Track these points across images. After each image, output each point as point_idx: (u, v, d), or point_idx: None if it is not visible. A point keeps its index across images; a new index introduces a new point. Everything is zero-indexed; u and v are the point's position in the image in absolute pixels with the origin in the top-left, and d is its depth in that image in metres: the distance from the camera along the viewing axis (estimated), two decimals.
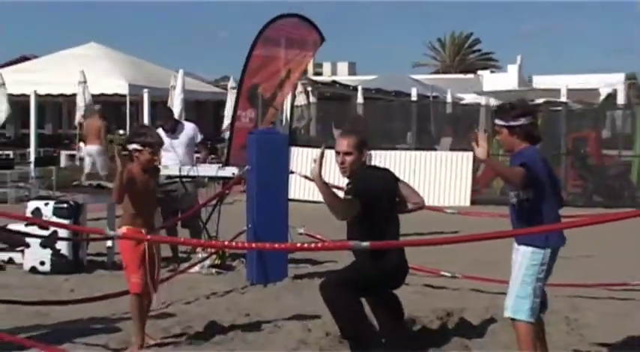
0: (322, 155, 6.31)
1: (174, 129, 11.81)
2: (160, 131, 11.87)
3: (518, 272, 6.12)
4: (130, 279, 7.11)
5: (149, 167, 7.32)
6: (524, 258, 6.10)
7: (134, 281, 7.06)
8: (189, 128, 12.08)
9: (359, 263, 6.77)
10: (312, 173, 6.33)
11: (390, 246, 6.67)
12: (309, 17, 13.25)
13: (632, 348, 7.09)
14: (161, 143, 7.59)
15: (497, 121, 6.30)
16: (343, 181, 6.80)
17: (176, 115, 25.58)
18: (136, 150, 7.21)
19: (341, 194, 6.69)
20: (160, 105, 12.35)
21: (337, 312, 6.68)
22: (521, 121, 6.21)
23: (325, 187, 6.26)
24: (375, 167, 7.11)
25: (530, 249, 6.06)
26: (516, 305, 6.11)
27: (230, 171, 11.10)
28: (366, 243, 6.00)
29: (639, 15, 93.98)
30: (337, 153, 6.73)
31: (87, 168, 20.99)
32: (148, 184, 7.32)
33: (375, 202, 6.55)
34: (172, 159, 11.38)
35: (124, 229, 7.25)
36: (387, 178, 6.90)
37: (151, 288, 7.16)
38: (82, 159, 27.40)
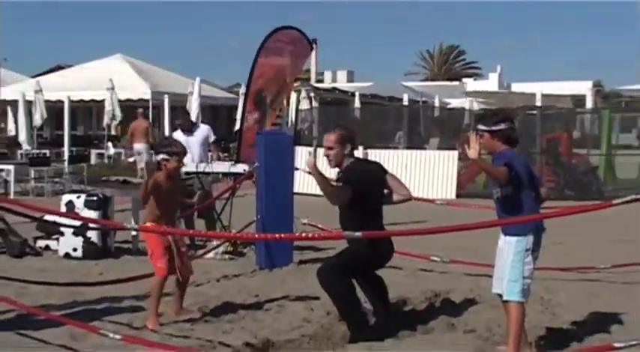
0: (316, 149, 6.50)
1: (190, 130, 11.91)
2: (178, 131, 11.91)
3: (507, 259, 6.13)
4: (155, 265, 7.20)
5: (175, 173, 7.47)
6: (510, 246, 6.12)
7: (159, 266, 7.16)
8: (203, 129, 12.17)
9: (352, 249, 6.89)
10: (307, 164, 6.70)
11: (380, 235, 6.73)
12: (300, 28, 13.28)
13: (599, 324, 7.06)
14: (185, 152, 7.76)
15: (480, 126, 6.33)
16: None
17: (193, 118, 25.60)
18: (164, 159, 7.37)
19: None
20: (179, 109, 12.42)
21: (335, 297, 6.79)
22: (502, 126, 6.26)
23: (320, 176, 6.55)
24: (365, 160, 7.30)
25: (514, 238, 6.09)
26: (509, 288, 6.12)
27: (241, 167, 11.10)
28: (358, 233, 6.09)
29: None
30: (324, 147, 7.07)
31: (140, 164, 21.06)
32: (172, 189, 7.43)
33: (364, 189, 6.77)
34: (187, 156, 11.35)
35: (148, 224, 7.38)
36: (376, 169, 7.17)
37: (186, 270, 7.36)
38: (110, 158, 27.58)
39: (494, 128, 6.24)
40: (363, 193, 6.75)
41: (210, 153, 12.36)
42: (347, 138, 7.03)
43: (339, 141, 6.98)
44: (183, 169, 10.49)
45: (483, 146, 6.29)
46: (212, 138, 12.10)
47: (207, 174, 11.25)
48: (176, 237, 7.38)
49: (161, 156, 7.43)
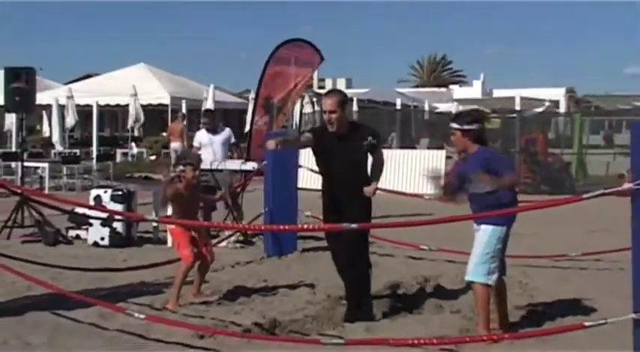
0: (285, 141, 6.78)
1: (215, 130, 11.82)
2: (203, 130, 11.85)
3: (479, 246, 6.06)
4: (182, 253, 7.20)
5: (194, 180, 7.44)
6: (485, 234, 6.05)
7: (186, 254, 7.15)
8: (226, 131, 12.06)
9: (363, 237, 6.74)
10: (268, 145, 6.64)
11: (374, 227, 6.65)
12: (312, 42, 13.22)
13: (571, 306, 7.06)
14: (200, 161, 7.76)
15: (453, 125, 6.23)
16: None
17: None
18: (182, 170, 7.40)
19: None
20: (205, 111, 12.43)
21: (363, 280, 6.69)
22: (473, 126, 6.16)
23: (285, 142, 6.75)
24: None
25: (491, 227, 6.01)
26: (475, 270, 6.07)
27: (251, 165, 11.10)
28: (354, 225, 5.99)
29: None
30: (324, 112, 6.71)
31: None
32: (192, 195, 7.45)
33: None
34: (210, 153, 11.37)
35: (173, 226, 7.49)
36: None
37: (207, 257, 7.38)
38: (133, 156, 27.61)
39: (465, 127, 6.14)
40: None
41: (229, 154, 12.32)
42: (346, 101, 6.72)
43: (340, 104, 6.61)
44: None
45: (455, 143, 6.24)
46: (233, 139, 12.02)
47: (220, 171, 11.24)
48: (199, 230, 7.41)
49: (179, 168, 7.45)
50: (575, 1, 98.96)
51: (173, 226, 7.49)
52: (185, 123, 23.62)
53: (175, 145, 22.47)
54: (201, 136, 11.80)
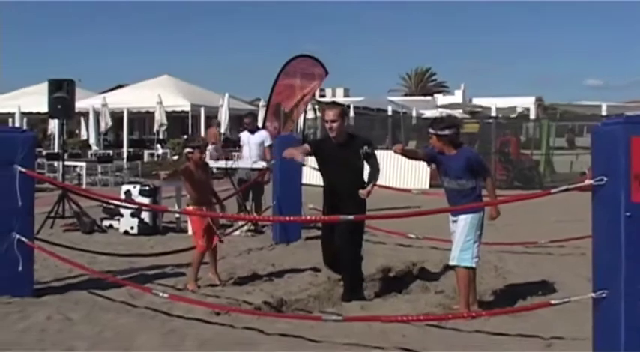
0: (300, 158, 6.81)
1: (253, 131, 11.57)
2: (245, 131, 11.69)
3: (462, 233, 6.06)
4: (197, 242, 7.19)
5: (200, 162, 7.40)
6: (466, 223, 6.04)
7: (200, 243, 7.15)
8: (262, 133, 11.70)
9: (360, 224, 6.72)
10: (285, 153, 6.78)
11: (368, 218, 6.64)
12: (317, 57, 13.21)
13: (539, 286, 7.06)
14: (206, 144, 7.78)
15: (430, 130, 6.24)
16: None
17: (222, 126, 25.65)
18: (189, 152, 7.39)
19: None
20: (248, 113, 12.31)
21: (355, 268, 6.66)
22: (446, 132, 6.15)
23: (293, 150, 6.72)
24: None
25: (470, 215, 6.02)
26: (460, 256, 6.07)
27: (260, 164, 11.06)
28: (350, 217, 5.98)
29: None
30: (326, 121, 6.75)
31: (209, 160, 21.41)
32: (202, 175, 7.38)
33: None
34: (247, 151, 11.30)
35: (190, 208, 7.42)
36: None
37: (217, 244, 7.35)
38: (158, 156, 27.58)
39: (439, 132, 6.15)
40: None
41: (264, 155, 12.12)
42: (346, 112, 6.81)
43: (341, 115, 6.70)
44: (215, 164, 10.51)
45: (432, 145, 6.24)
46: (268, 142, 11.41)
47: (235, 169, 11.21)
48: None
49: (187, 150, 7.46)
50: (544, 23, 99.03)
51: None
52: (219, 128, 23.63)
53: (210, 147, 22.51)
54: (242, 136, 11.70)
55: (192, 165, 7.31)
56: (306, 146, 6.94)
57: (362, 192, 6.43)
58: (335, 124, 6.62)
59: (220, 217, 7.73)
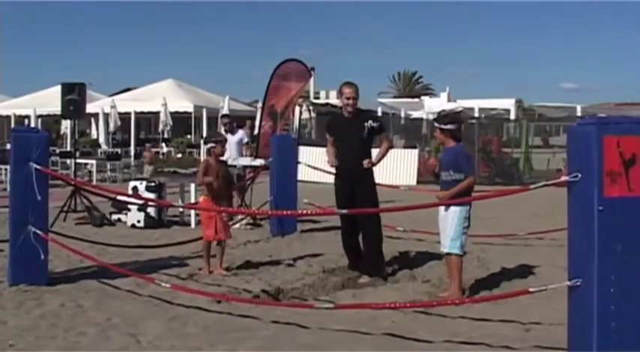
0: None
1: (231, 131, 11.94)
2: (223, 131, 11.86)
3: (452, 225, 6.11)
4: (205, 232, 7.25)
5: (221, 156, 7.55)
6: (455, 214, 6.09)
7: (207, 233, 7.20)
8: (240, 132, 12.15)
9: (375, 203, 6.87)
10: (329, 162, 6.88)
11: (359, 212, 6.65)
12: (303, 61, 13.25)
13: (519, 275, 7.07)
14: (225, 139, 7.98)
15: (435, 124, 6.39)
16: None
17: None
18: (212, 146, 7.46)
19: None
20: (222, 115, 12.39)
21: (379, 246, 6.90)
22: (449, 126, 6.26)
23: (330, 158, 6.81)
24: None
25: (459, 207, 6.07)
26: (451, 244, 6.11)
27: (259, 161, 11.05)
28: (344, 210, 6.01)
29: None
30: (345, 98, 6.87)
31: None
32: (219, 170, 7.42)
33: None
34: (227, 151, 11.31)
35: (201, 199, 7.53)
36: None
37: (224, 235, 7.31)
38: (163, 154, 27.51)
39: (443, 127, 6.25)
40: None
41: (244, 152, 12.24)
42: (358, 91, 6.93)
43: (357, 93, 6.88)
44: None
45: (436, 137, 6.34)
46: (245, 140, 11.99)
47: (234, 166, 11.19)
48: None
49: (209, 145, 7.54)
50: (525, 29, 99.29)
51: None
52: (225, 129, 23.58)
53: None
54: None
55: (213, 158, 7.41)
56: (327, 137, 7.07)
57: (365, 162, 6.54)
58: (351, 101, 6.81)
59: (221, 212, 7.68)
